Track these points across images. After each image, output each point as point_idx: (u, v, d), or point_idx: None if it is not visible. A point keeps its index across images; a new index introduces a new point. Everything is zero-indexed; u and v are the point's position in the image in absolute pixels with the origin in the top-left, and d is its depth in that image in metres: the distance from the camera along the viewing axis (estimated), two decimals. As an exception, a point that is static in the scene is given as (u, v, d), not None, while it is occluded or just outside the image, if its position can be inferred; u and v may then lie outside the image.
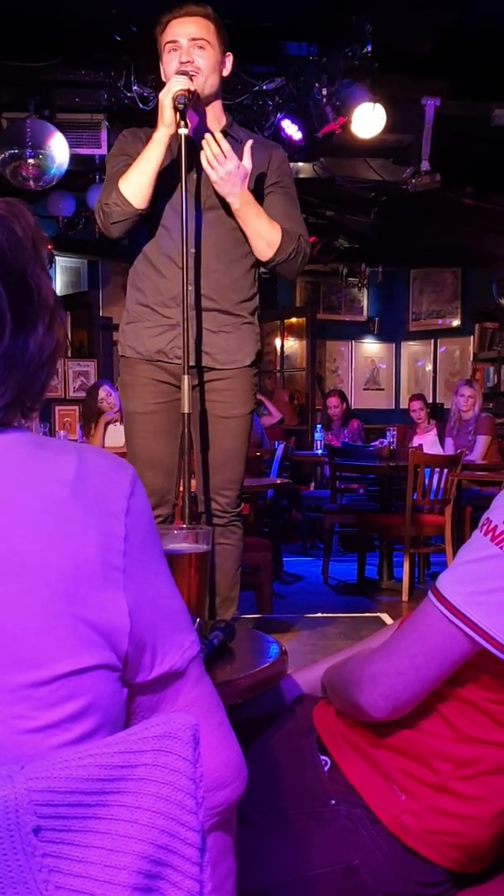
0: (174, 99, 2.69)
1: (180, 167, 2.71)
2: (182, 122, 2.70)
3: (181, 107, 2.68)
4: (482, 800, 1.28)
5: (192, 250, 2.84)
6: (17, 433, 0.87)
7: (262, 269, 3.03)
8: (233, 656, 1.55)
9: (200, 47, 2.79)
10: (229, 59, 2.89)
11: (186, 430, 2.77)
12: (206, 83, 2.79)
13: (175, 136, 2.75)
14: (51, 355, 0.89)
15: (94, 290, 9.48)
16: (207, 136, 2.77)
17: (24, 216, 0.90)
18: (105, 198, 2.84)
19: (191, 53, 2.77)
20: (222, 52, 2.85)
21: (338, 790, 1.34)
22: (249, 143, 2.81)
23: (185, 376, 2.73)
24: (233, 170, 2.74)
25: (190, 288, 2.82)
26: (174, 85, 2.70)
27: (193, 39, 2.78)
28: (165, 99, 2.71)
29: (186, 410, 2.74)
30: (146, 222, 2.90)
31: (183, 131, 2.71)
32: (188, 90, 2.69)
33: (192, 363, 2.83)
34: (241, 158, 2.80)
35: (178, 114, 2.70)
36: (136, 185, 2.79)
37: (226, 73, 2.90)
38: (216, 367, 2.94)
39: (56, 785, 0.69)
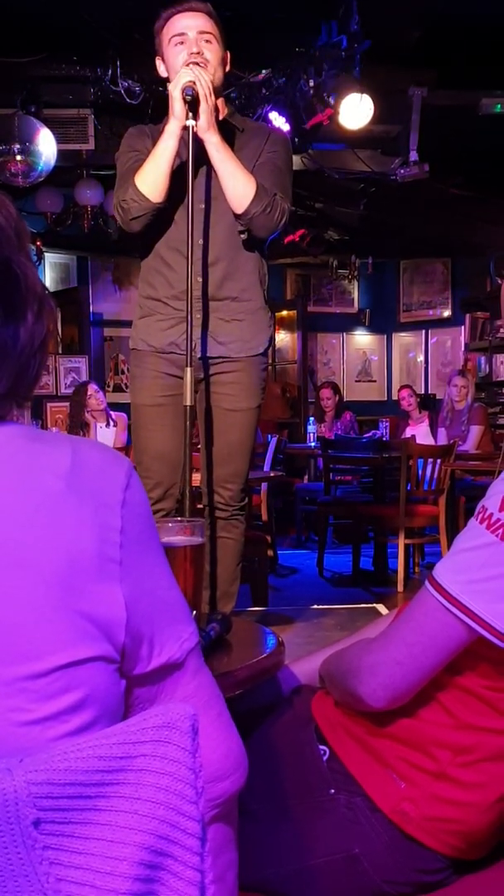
0: (182, 90, 2.71)
1: (188, 158, 2.74)
2: (190, 114, 2.71)
3: (189, 98, 2.71)
4: (481, 786, 1.28)
5: (200, 241, 2.85)
6: (11, 426, 0.86)
7: (241, 229, 2.97)
8: (230, 648, 1.55)
9: (207, 41, 2.84)
10: (228, 57, 2.93)
11: (187, 423, 2.77)
12: (214, 76, 2.82)
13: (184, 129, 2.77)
14: (42, 343, 0.89)
15: (83, 286, 9.45)
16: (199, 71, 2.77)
17: (5, 206, 0.89)
18: (122, 195, 2.86)
19: (200, 45, 2.80)
20: (224, 49, 2.89)
21: (337, 779, 1.34)
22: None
23: (188, 369, 2.74)
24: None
25: (199, 279, 2.83)
26: (182, 77, 2.73)
27: (201, 33, 2.82)
28: (174, 91, 2.73)
29: (188, 403, 2.74)
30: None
31: (191, 123, 2.72)
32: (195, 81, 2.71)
33: (206, 354, 2.87)
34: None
35: (186, 105, 2.71)
36: (151, 179, 2.82)
37: (227, 69, 2.94)
38: (231, 356, 2.95)
39: (55, 777, 0.69)
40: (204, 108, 2.74)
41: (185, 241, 2.81)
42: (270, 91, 5.71)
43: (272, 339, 3.09)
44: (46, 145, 5.78)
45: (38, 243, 8.24)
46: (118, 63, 5.42)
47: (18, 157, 5.78)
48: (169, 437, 2.96)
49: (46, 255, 9.02)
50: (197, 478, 3.07)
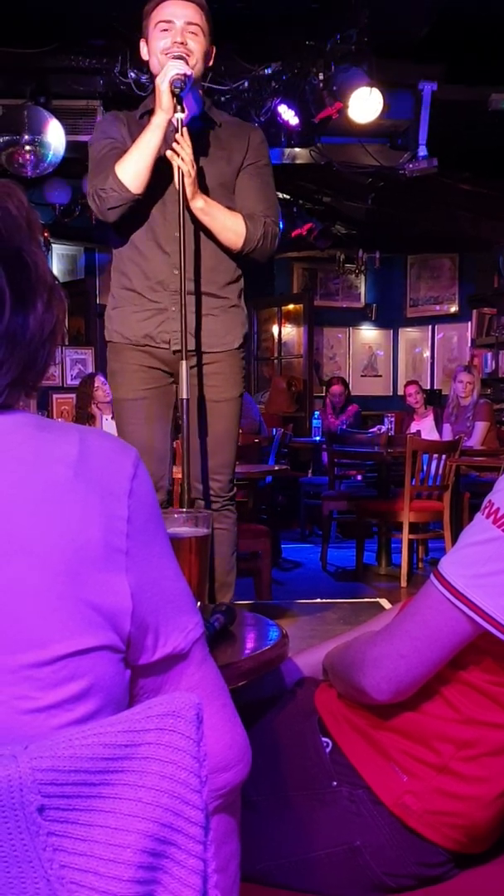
0: (171, 83, 2.68)
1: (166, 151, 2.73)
2: (179, 107, 2.70)
3: (178, 90, 2.68)
4: (483, 781, 1.28)
5: (176, 234, 2.84)
6: (19, 415, 0.86)
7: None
8: (234, 639, 1.55)
9: (193, 32, 2.80)
10: (213, 52, 2.90)
11: (185, 416, 2.76)
12: (196, 68, 2.80)
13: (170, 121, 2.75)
14: (51, 332, 0.89)
15: (90, 278, 9.46)
16: (181, 139, 2.76)
17: (17, 195, 0.89)
18: (101, 183, 2.83)
19: (185, 36, 2.78)
20: (209, 43, 2.86)
21: (339, 772, 1.34)
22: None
23: (184, 362, 2.74)
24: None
25: (175, 272, 2.82)
26: (170, 69, 2.69)
27: (189, 24, 2.79)
28: (162, 84, 2.70)
29: (185, 396, 2.74)
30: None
31: (179, 116, 2.70)
32: (185, 74, 2.69)
33: (178, 348, 2.84)
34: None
35: (175, 98, 2.69)
36: (134, 170, 2.79)
37: (210, 63, 2.92)
38: (205, 350, 2.95)
39: (60, 764, 0.69)
40: (189, 181, 2.76)
41: (162, 233, 2.84)
42: (280, 84, 5.70)
43: (247, 337, 3.09)
44: (55, 136, 5.78)
45: (46, 234, 8.25)
46: (128, 55, 5.42)
47: (27, 148, 5.78)
48: (154, 430, 2.96)
49: (54, 246, 9.02)
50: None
